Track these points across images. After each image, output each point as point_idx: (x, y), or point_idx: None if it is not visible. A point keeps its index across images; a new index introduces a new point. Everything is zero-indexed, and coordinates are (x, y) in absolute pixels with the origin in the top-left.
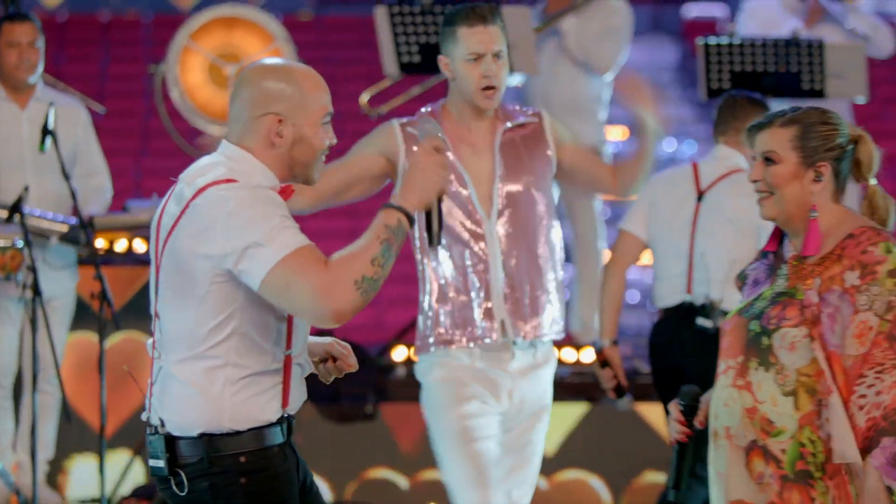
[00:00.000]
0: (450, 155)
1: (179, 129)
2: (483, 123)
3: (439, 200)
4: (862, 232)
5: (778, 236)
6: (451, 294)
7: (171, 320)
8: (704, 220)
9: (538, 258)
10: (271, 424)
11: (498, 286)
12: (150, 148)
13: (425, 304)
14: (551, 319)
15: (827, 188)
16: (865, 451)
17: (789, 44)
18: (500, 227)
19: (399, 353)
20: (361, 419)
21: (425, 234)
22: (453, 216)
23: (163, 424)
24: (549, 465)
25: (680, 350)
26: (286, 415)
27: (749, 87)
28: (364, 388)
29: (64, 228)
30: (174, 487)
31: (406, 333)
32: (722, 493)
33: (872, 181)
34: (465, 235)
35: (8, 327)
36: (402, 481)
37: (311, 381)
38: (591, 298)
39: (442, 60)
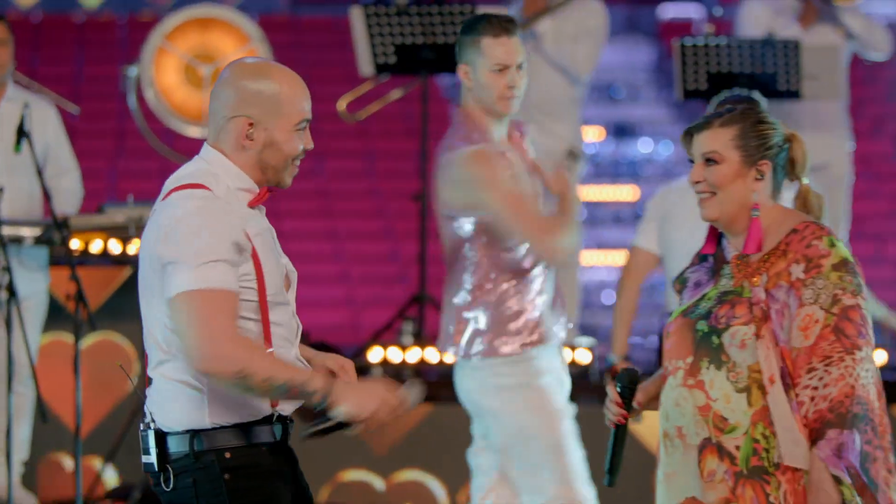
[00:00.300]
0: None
1: (155, 130)
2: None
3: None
4: (805, 226)
5: (714, 238)
6: (534, 294)
7: (147, 320)
8: None
9: None
10: (258, 422)
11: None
12: (125, 149)
13: (496, 302)
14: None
15: (766, 187)
16: (813, 442)
17: (765, 44)
18: None
19: (375, 355)
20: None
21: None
22: None
23: (154, 420)
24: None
25: None
26: (277, 414)
27: (725, 87)
28: None
29: (37, 232)
30: (162, 483)
31: (381, 335)
32: (670, 494)
33: (805, 180)
34: None
35: None
36: (377, 482)
37: None
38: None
39: (462, 69)
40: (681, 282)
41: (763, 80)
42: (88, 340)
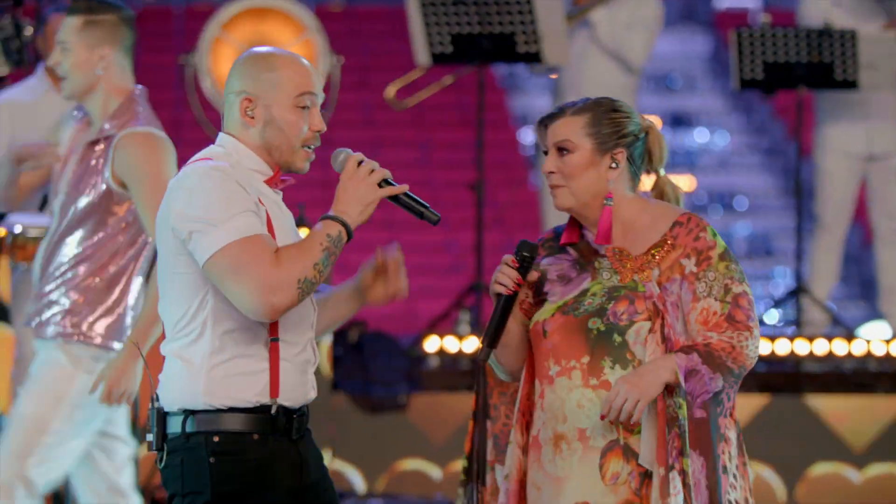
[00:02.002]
0: None
1: (211, 119)
2: None
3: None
4: (688, 219)
5: (574, 228)
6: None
7: (162, 299)
8: None
9: None
10: (253, 409)
11: None
12: (182, 139)
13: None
14: None
15: (623, 176)
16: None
17: (822, 34)
18: None
19: (431, 344)
20: (393, 410)
21: (423, 213)
22: None
23: (157, 399)
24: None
25: None
26: (278, 405)
27: (781, 77)
28: (396, 379)
29: None
30: (159, 462)
31: (437, 324)
32: (558, 499)
33: (662, 171)
34: None
35: None
36: (434, 472)
37: (343, 372)
38: None
39: None
40: (537, 269)
41: (820, 70)
42: None
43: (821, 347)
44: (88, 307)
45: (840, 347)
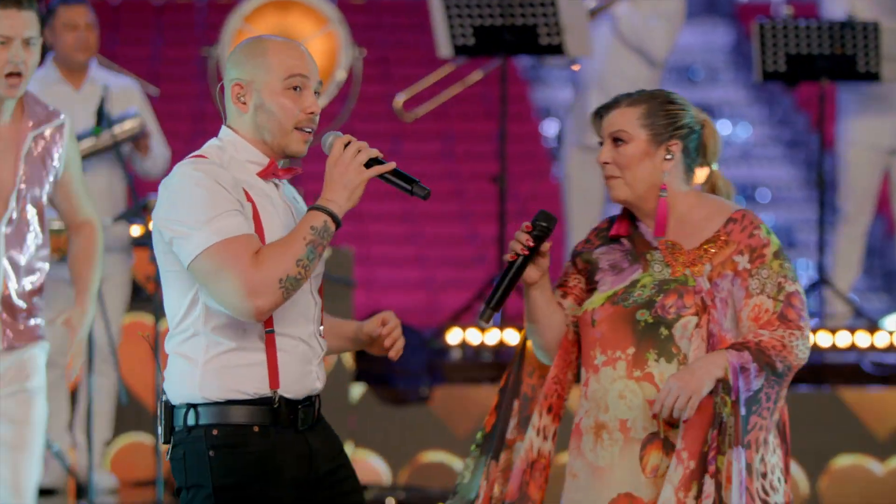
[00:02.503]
0: None
1: None
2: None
3: (381, 165)
4: (743, 216)
5: (627, 219)
6: None
7: (164, 296)
8: None
9: None
10: (252, 401)
11: None
12: (203, 131)
13: None
14: None
15: (678, 168)
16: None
17: (844, 26)
18: None
19: (454, 336)
20: (416, 402)
21: (413, 189)
22: None
23: (164, 393)
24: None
25: None
26: (280, 396)
27: (804, 69)
28: (418, 371)
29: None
30: (167, 455)
31: (460, 316)
32: (599, 488)
33: (715, 166)
34: None
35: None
36: (457, 464)
37: (365, 364)
38: None
39: None
40: (584, 260)
41: (842, 62)
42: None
43: (843, 339)
44: None
45: (863, 339)
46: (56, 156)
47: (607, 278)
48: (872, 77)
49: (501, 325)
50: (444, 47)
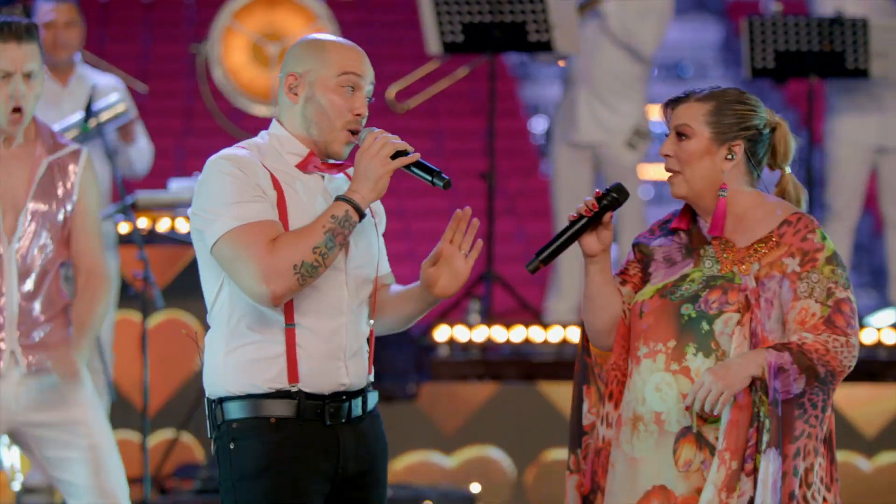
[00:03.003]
0: None
1: (222, 108)
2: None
3: (407, 156)
4: (798, 219)
5: (688, 214)
6: None
7: (202, 285)
8: None
9: None
10: (270, 395)
11: None
12: (192, 128)
13: None
14: None
15: (739, 168)
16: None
17: (833, 23)
18: None
19: (441, 333)
20: (403, 399)
21: (433, 180)
22: None
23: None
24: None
25: None
26: (298, 390)
27: (793, 66)
28: (406, 368)
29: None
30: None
31: (448, 313)
32: (634, 480)
33: (787, 169)
34: None
35: None
36: (445, 461)
37: None
38: None
39: None
40: (642, 251)
41: (831, 59)
42: (155, 319)
43: None
44: None
45: None
46: (70, 183)
47: (660, 270)
48: (861, 74)
49: (489, 322)
50: (432, 44)
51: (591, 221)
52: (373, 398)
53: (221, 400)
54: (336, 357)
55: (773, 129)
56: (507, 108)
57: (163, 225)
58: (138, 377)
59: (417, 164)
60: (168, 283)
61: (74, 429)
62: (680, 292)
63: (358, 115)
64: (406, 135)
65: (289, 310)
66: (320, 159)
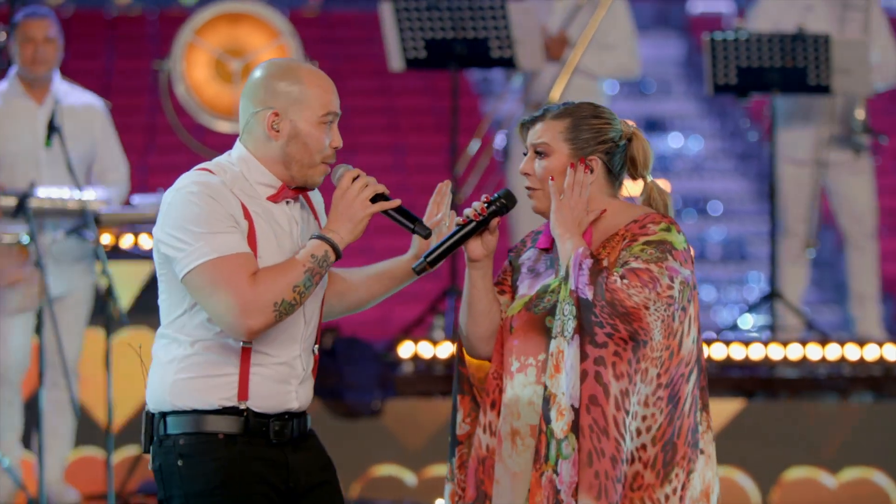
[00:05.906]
0: None
1: (185, 124)
2: None
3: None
4: (646, 216)
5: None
6: None
7: (160, 298)
8: None
9: None
10: (218, 411)
11: None
12: (155, 144)
13: None
14: None
15: (599, 182)
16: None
17: (795, 39)
18: None
19: (406, 350)
20: (367, 415)
21: (415, 228)
22: None
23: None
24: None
25: None
26: (247, 408)
27: (755, 82)
28: (370, 385)
29: (74, 206)
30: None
31: (412, 329)
32: (515, 492)
33: (649, 178)
34: None
35: (16, 324)
36: (409, 478)
37: (317, 378)
38: None
39: None
40: (511, 262)
41: (793, 75)
42: (120, 336)
43: (795, 352)
44: None
45: (814, 352)
46: None
47: (525, 281)
48: (823, 90)
49: (453, 339)
50: (395, 60)
51: (479, 226)
52: (309, 418)
53: (164, 414)
54: (287, 382)
55: (630, 140)
56: (470, 124)
57: (126, 241)
58: (102, 394)
59: (398, 210)
60: (131, 300)
61: None
62: (542, 304)
63: (335, 147)
64: (369, 150)
65: None
66: (290, 188)
